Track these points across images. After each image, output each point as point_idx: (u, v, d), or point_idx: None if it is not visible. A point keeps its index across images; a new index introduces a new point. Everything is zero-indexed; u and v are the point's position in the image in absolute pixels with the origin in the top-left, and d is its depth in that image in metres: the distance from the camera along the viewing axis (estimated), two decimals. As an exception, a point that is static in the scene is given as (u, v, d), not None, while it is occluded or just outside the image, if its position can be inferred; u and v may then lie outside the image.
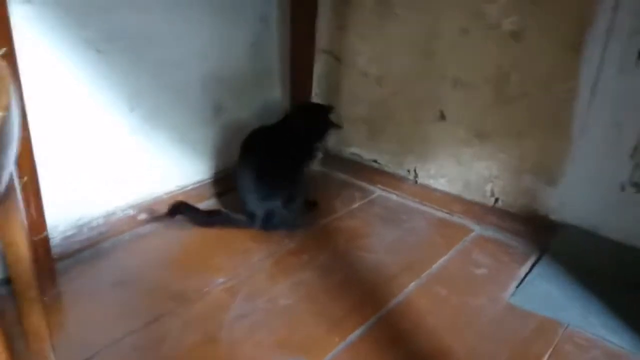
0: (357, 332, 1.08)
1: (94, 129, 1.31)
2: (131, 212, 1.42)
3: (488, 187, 1.50)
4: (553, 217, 1.40)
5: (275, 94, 1.76)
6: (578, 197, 1.35)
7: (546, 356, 1.03)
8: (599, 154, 1.29)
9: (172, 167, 1.52)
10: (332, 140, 1.82)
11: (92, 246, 1.31)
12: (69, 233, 1.30)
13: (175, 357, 1.00)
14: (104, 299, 1.14)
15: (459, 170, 1.54)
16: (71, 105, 1.25)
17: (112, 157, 1.37)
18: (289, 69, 1.68)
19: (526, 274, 1.29)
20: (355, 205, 1.59)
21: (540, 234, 1.41)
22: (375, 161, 1.73)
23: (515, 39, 1.34)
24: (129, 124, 1.37)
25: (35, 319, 0.89)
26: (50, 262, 1.13)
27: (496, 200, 1.49)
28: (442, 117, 1.53)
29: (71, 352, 0.99)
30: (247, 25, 1.59)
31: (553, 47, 1.29)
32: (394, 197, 1.65)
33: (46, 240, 1.11)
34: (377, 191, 1.68)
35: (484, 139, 1.46)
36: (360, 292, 1.21)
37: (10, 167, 0.63)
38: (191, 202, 1.53)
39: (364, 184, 1.71)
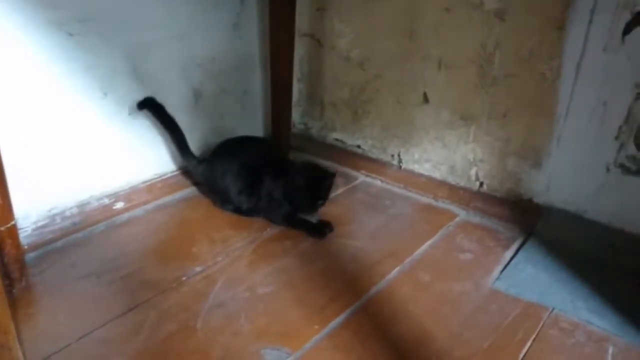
0: (338, 320, 1.05)
1: (65, 115, 1.26)
2: (106, 201, 1.38)
3: (473, 171, 1.47)
4: (538, 200, 1.38)
5: (256, 79, 1.71)
6: (563, 179, 1.33)
7: (530, 341, 1.01)
8: (584, 134, 1.26)
9: (149, 154, 1.48)
10: (315, 126, 1.79)
11: (65, 236, 1.27)
12: (40, 223, 1.25)
13: (150, 349, 0.96)
14: (76, 291, 1.10)
15: (444, 155, 1.51)
16: (41, 90, 1.20)
17: (86, 144, 1.32)
18: (269, 52, 1.64)
19: (511, 259, 1.26)
20: (339, 191, 1.56)
21: (526, 218, 1.38)
22: (358, 146, 1.70)
23: (499, 17, 1.30)
24: (102, 110, 1.32)
25: (0, 311, 0.85)
26: (19, 253, 1.09)
27: (481, 184, 1.47)
28: (426, 99, 1.49)
29: (40, 345, 0.95)
30: (226, 7, 1.54)
31: (537, 26, 1.25)
32: (378, 182, 1.62)
33: (14, 229, 1.06)
34: (361, 177, 1.65)
35: (468, 121, 1.43)
36: (342, 280, 1.18)
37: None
38: (169, 191, 1.50)
39: (347, 170, 1.68)
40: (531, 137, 1.34)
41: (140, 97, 1.38)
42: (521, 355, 0.97)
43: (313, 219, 1.37)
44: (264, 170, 1.36)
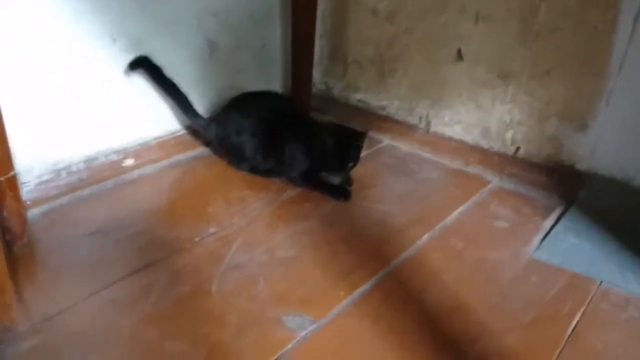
0: (365, 287, 0.96)
1: (72, 63, 1.16)
2: (115, 157, 1.29)
3: (509, 135, 1.36)
4: (581, 167, 1.27)
5: (275, 33, 1.60)
6: (610, 144, 1.21)
7: (578, 315, 0.92)
8: (637, 95, 1.15)
9: (161, 109, 1.38)
10: (337, 86, 1.67)
11: (70, 192, 1.19)
12: (45, 177, 1.17)
13: (161, 311, 0.88)
14: (81, 249, 1.02)
15: (477, 117, 1.40)
16: (46, 36, 1.10)
17: (94, 95, 1.23)
18: (291, 4, 1.52)
19: (551, 228, 1.16)
20: (362, 154, 1.45)
21: (566, 186, 1.28)
22: (383, 108, 1.59)
23: (547, -38, 1.18)
24: (111, 58, 1.22)
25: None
26: (20, 207, 1.00)
27: (517, 149, 1.36)
28: (460, 56, 1.38)
29: (42, 305, 0.87)
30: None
31: (592, -29, 1.13)
32: (403, 146, 1.52)
33: (14, 180, 0.97)
34: (386, 140, 1.54)
35: (507, 80, 1.32)
36: (368, 245, 1.08)
37: None
38: (182, 148, 1.40)
39: (371, 133, 1.56)
40: (576, 98, 1.23)
41: (151, 46, 1.28)
42: (569, 330, 0.88)
43: (335, 180, 1.28)
44: (284, 127, 1.26)
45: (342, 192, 1.24)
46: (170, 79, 1.30)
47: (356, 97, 1.64)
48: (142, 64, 1.26)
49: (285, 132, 1.26)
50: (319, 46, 1.64)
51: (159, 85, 1.31)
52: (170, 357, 0.79)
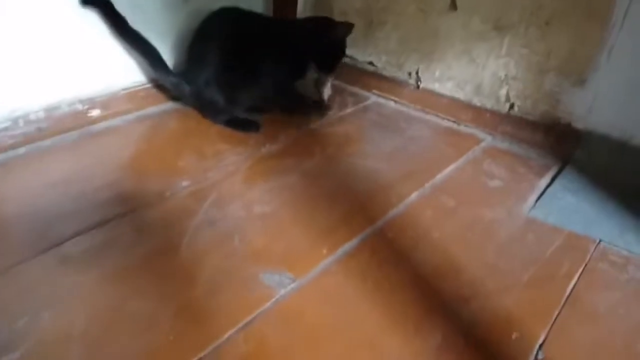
0: (350, 244, 0.89)
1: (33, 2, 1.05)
2: (80, 107, 1.18)
3: (503, 91, 1.28)
4: (578, 124, 1.20)
5: (256, -19, 1.49)
6: (610, 100, 1.15)
7: (577, 275, 0.85)
8: (640, 47, 1.08)
9: (130, 58, 1.26)
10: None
11: (28, 143, 1.08)
12: (0, 126, 1.06)
13: (123, 269, 0.79)
14: (38, 201, 0.92)
15: (470, 72, 1.32)
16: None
17: (57, 39, 1.11)
18: (273, -52, 1.41)
19: (547, 187, 1.10)
20: (348, 110, 1.37)
21: (562, 145, 1.21)
22: (370, 63, 1.49)
23: None
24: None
25: None
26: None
27: (511, 106, 1.28)
28: (454, 5, 1.29)
29: (-10, 259, 0.78)
30: None
31: None
32: (391, 103, 1.43)
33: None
34: (373, 97, 1.46)
35: (503, 31, 1.23)
36: (353, 201, 1.01)
37: None
38: (153, 101, 1.30)
39: (356, 89, 1.49)
40: (577, 49, 1.15)
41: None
42: (568, 290, 0.82)
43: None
44: (255, 50, 1.19)
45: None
46: (136, 32, 1.16)
47: (342, 51, 1.54)
48: (101, 6, 1.13)
49: (257, 54, 1.19)
50: (303, -4, 1.54)
51: (123, 37, 1.18)
52: (132, 317, 0.71)
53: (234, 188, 1.01)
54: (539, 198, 1.06)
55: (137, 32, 1.16)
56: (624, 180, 1.11)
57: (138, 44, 1.18)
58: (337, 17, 1.50)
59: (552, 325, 0.75)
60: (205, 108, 1.23)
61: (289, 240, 0.89)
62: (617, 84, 1.13)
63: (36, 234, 0.84)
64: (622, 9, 1.08)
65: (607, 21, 1.09)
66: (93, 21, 1.15)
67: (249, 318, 0.72)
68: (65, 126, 1.15)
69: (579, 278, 0.85)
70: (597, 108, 1.17)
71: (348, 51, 1.44)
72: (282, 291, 0.77)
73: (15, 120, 1.08)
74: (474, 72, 1.31)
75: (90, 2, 1.11)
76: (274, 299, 0.76)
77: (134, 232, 0.87)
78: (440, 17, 1.32)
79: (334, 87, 1.38)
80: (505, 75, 1.26)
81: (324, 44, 1.25)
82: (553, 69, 1.19)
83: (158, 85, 1.31)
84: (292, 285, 0.79)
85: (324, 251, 0.86)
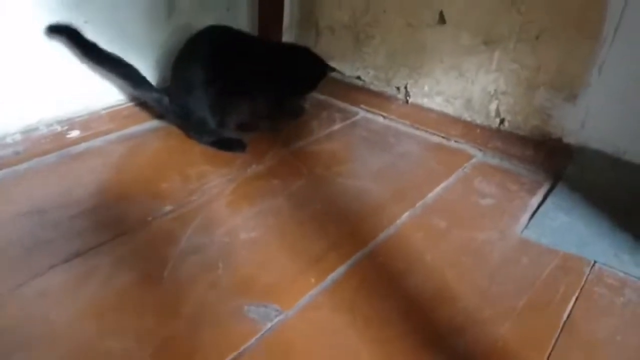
0: (339, 271, 0.85)
1: (9, 17, 1.01)
2: (59, 128, 1.14)
3: (493, 106, 1.26)
4: (569, 140, 1.18)
5: (241, -5, 1.46)
6: (602, 115, 1.13)
7: (573, 299, 0.83)
8: (632, 62, 1.06)
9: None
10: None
11: (4, 167, 1.04)
12: (-27, 150, 1.02)
13: (100, 302, 0.75)
14: (12, 231, 0.88)
15: (459, 86, 1.30)
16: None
17: (34, 57, 1.07)
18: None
19: (539, 205, 1.08)
20: (336, 127, 1.34)
21: (554, 160, 1.19)
22: (358, 78, 1.47)
23: None
24: (56, 15, 1.07)
25: None
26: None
27: (502, 121, 1.26)
28: (442, 19, 1.27)
29: (-41, 296, 0.74)
30: None
31: None
32: (380, 119, 1.41)
33: None
34: (361, 112, 1.43)
35: (492, 45, 1.21)
36: (343, 223, 0.98)
37: None
38: (136, 120, 1.26)
39: (345, 105, 1.46)
40: (568, 64, 1.14)
41: (101, 5, 1.12)
42: (565, 316, 0.79)
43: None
44: (242, 71, 1.15)
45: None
46: (110, 55, 1.11)
47: (329, 66, 1.51)
48: (67, 35, 1.08)
49: (246, 73, 1.17)
50: (289, 10, 1.51)
51: (97, 63, 1.13)
52: (109, 356, 0.67)
53: (219, 212, 0.98)
54: (531, 217, 1.03)
55: (111, 55, 1.12)
56: (617, 197, 1.10)
57: (114, 67, 1.14)
58: (324, 33, 1.48)
59: (549, 355, 0.73)
60: (192, 128, 1.20)
61: (276, 268, 0.85)
62: (609, 98, 1.11)
63: (9, 268, 0.80)
64: (613, 24, 1.06)
65: (598, 36, 1.08)
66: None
67: (233, 355, 0.69)
68: (43, 148, 1.11)
69: (574, 303, 0.82)
70: (589, 123, 1.15)
71: (336, 65, 1.42)
72: (268, 325, 0.74)
73: (-11, 144, 1.04)
74: (463, 86, 1.29)
75: (56, 31, 1.07)
76: (259, 334, 0.72)
77: (112, 263, 0.83)
78: (428, 32, 1.30)
79: (321, 102, 1.36)
80: (495, 90, 1.24)
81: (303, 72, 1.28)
82: (543, 84, 1.18)
83: (141, 103, 1.27)
84: (278, 318, 0.75)
85: (312, 280, 0.83)
